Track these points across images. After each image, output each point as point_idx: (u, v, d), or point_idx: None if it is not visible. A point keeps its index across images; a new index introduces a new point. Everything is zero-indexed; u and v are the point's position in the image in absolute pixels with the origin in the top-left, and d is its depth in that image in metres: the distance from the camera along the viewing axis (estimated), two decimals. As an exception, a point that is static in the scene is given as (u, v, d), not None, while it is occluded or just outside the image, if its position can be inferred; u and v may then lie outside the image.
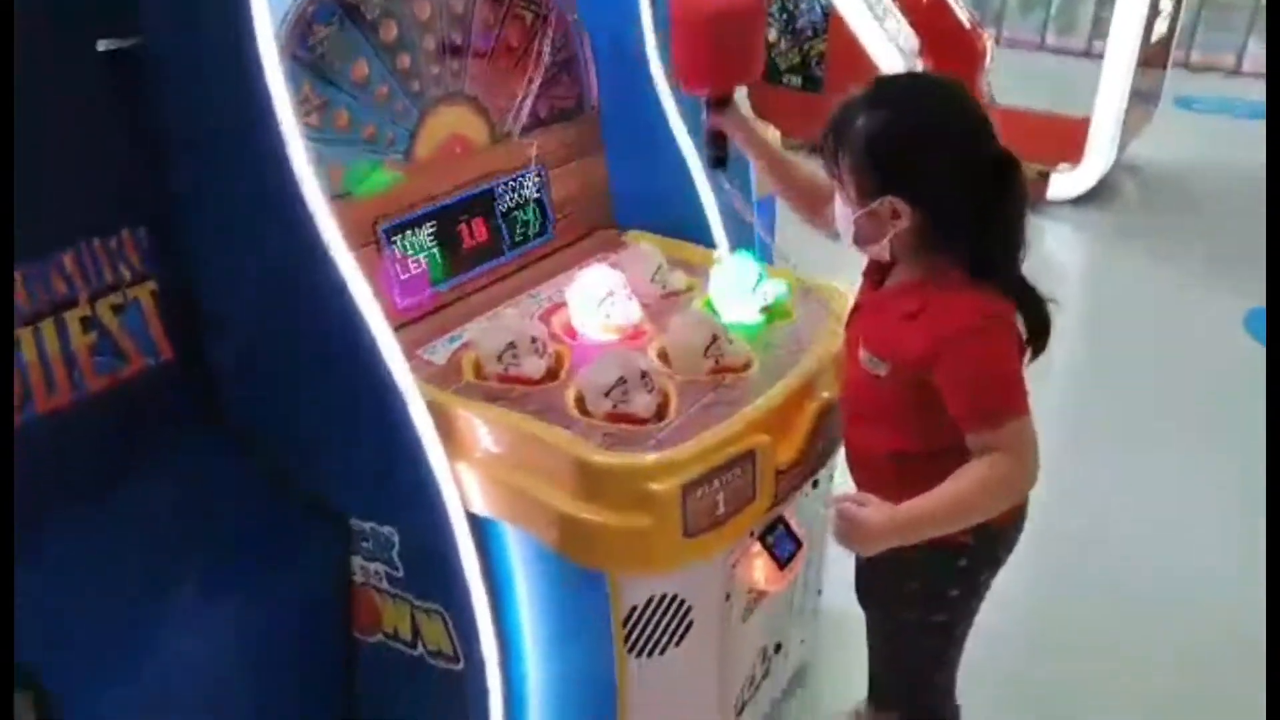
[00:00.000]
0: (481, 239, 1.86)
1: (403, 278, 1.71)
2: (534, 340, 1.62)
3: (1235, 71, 8.22)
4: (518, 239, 1.95)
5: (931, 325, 1.34)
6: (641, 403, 1.51)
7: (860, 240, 1.43)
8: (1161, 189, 5.74)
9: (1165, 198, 5.65)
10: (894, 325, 1.40)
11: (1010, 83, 5.52)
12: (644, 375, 1.53)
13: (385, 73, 1.62)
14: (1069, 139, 5.08)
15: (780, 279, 1.87)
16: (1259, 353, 3.79)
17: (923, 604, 1.54)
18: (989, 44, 5.94)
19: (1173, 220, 5.27)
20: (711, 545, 1.46)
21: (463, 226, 1.82)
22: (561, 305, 1.82)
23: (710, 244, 2.16)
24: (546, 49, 1.96)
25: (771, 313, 1.84)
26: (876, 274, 1.50)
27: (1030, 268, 1.40)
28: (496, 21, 1.82)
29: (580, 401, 1.55)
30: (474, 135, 1.84)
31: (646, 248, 1.97)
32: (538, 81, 1.95)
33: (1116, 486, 2.99)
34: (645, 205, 2.19)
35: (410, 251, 1.71)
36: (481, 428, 1.50)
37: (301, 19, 1.47)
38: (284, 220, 1.37)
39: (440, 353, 1.66)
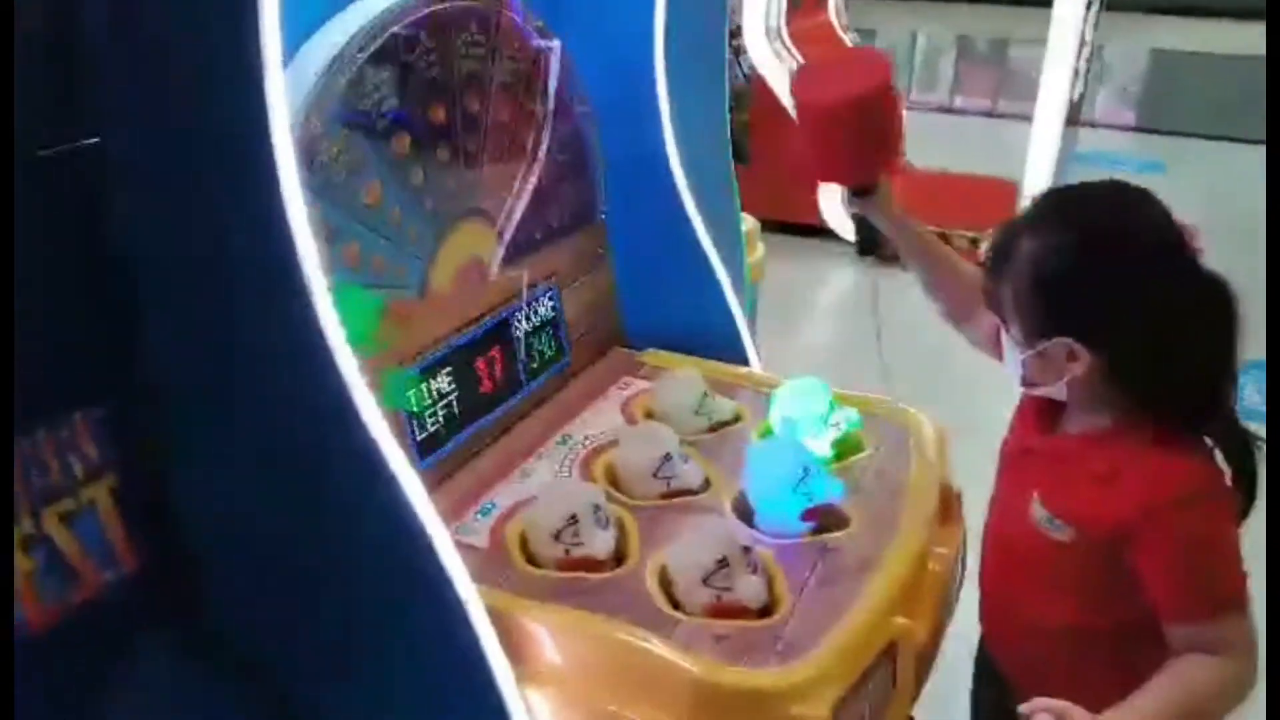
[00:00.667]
0: (499, 376, 1.55)
1: (419, 435, 1.38)
2: (597, 509, 1.31)
3: (1090, 123, 8.28)
4: (534, 370, 1.64)
5: (1132, 492, 1.11)
6: (750, 590, 1.22)
7: (1030, 384, 1.19)
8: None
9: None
10: (1082, 484, 1.16)
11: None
12: (747, 551, 1.25)
13: (397, 192, 1.31)
14: (996, 203, 5.02)
15: (849, 405, 1.61)
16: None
17: None
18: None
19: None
20: (857, 769, 1.17)
21: (481, 364, 1.50)
22: (603, 448, 1.53)
23: (741, 360, 1.91)
24: (553, 146, 1.67)
25: (842, 446, 1.58)
26: (1045, 413, 1.26)
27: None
28: (513, 121, 1.53)
29: (668, 589, 1.25)
30: (488, 256, 1.53)
31: (685, 373, 1.68)
32: (537, 184, 1.66)
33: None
34: (660, 318, 1.92)
35: (427, 402, 1.39)
36: (551, 639, 1.18)
37: (306, 134, 1.15)
38: (303, 386, 1.04)
39: (478, 531, 1.34)
